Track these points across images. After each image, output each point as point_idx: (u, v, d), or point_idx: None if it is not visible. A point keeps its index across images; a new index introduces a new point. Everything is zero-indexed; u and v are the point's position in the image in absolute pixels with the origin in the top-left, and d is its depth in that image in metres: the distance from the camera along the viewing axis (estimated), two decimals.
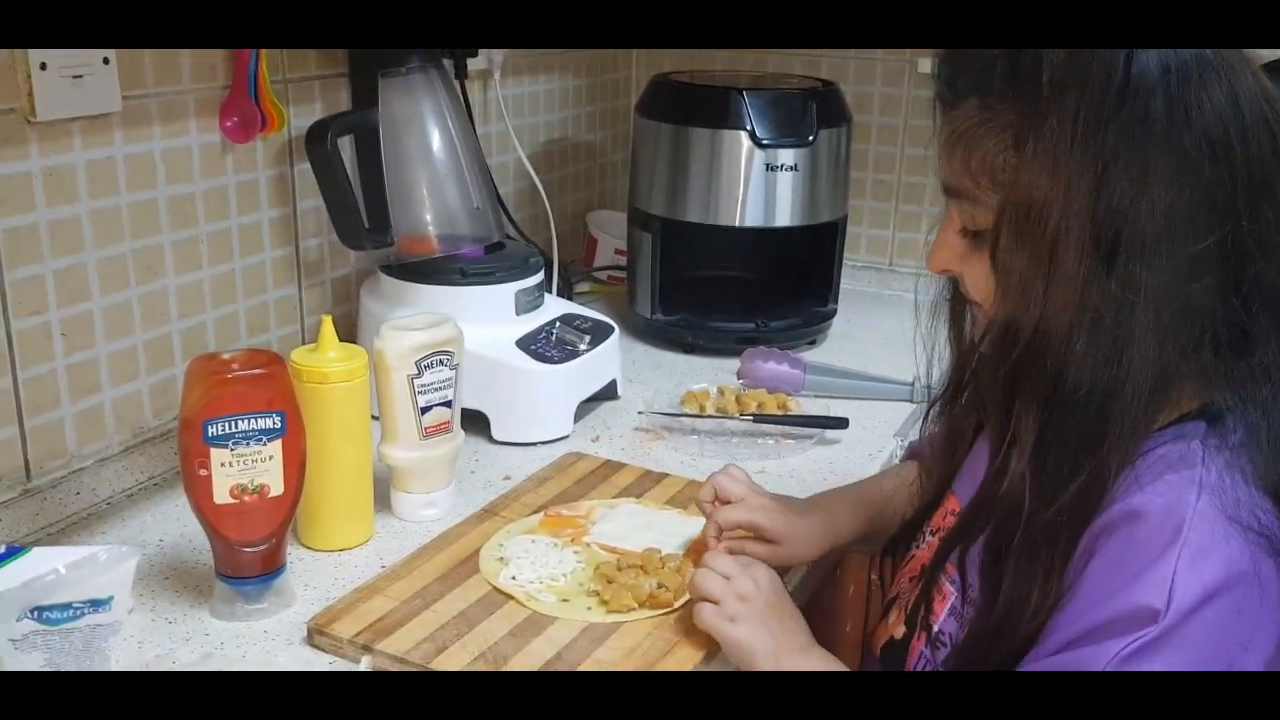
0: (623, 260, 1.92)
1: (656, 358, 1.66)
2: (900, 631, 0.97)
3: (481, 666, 0.92)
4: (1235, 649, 0.73)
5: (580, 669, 0.92)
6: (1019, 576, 0.79)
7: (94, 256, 1.15)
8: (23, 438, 1.12)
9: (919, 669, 0.92)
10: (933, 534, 0.99)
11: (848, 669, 0.92)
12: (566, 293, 1.73)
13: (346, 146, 1.35)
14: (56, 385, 1.14)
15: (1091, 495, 0.77)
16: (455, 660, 0.92)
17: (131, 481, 1.22)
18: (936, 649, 0.91)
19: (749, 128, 1.56)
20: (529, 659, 0.93)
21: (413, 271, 1.38)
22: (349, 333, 1.42)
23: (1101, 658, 0.73)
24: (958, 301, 0.95)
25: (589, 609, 1.00)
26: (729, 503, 1.07)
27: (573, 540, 1.11)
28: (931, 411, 1.04)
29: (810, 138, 1.58)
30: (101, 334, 1.18)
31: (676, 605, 1.00)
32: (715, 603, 0.94)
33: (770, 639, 0.92)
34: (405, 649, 0.94)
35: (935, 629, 0.91)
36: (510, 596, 1.01)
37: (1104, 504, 0.77)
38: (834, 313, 1.73)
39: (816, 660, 0.92)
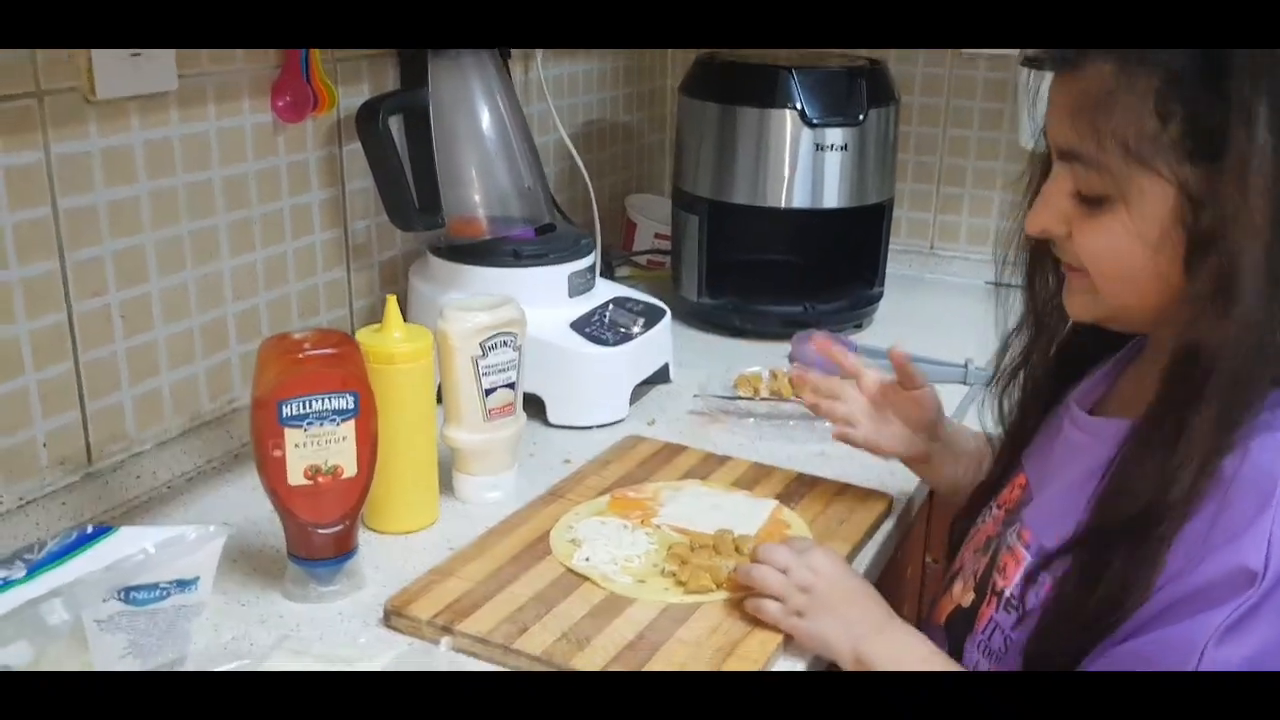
0: (662, 244, 1.91)
1: (704, 341, 1.64)
2: (968, 599, 0.95)
3: (564, 648, 0.90)
4: None
5: (663, 649, 0.91)
6: (1134, 552, 0.77)
7: (152, 238, 1.14)
8: (84, 421, 1.11)
9: (988, 635, 0.90)
10: (999, 508, 0.98)
11: (929, 641, 0.90)
12: (608, 277, 1.72)
13: (395, 127, 1.34)
14: (116, 368, 1.13)
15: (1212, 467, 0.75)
16: (537, 641, 0.91)
17: (190, 465, 1.20)
18: (1008, 612, 0.89)
19: (798, 107, 1.54)
20: (611, 639, 0.92)
21: (464, 253, 1.37)
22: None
23: (1203, 631, 0.72)
24: (1035, 268, 0.94)
25: (666, 590, 0.99)
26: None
27: (642, 522, 1.09)
28: (1004, 383, 1.03)
29: (860, 117, 1.56)
30: (159, 316, 1.16)
31: None
32: (778, 599, 0.92)
33: (842, 626, 0.90)
34: (486, 630, 0.92)
35: (1007, 593, 0.89)
36: (585, 578, 1.00)
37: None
38: (880, 296, 1.71)
39: (897, 637, 0.90)
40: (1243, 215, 0.73)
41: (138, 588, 0.81)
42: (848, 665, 0.90)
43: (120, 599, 0.81)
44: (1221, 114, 0.73)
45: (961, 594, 0.97)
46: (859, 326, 1.70)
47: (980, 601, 0.93)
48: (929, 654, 0.89)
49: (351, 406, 0.96)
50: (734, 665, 0.89)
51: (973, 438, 1.17)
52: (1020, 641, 0.87)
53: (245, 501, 1.15)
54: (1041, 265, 0.94)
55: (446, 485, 1.16)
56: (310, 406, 0.94)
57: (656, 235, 1.93)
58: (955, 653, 0.93)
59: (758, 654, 0.91)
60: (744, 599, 0.96)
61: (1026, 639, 0.85)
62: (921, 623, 1.04)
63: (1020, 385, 1.02)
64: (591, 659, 0.89)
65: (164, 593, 0.82)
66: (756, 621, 0.94)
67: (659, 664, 0.89)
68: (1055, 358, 0.98)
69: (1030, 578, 0.87)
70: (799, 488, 1.17)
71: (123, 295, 1.12)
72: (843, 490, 1.17)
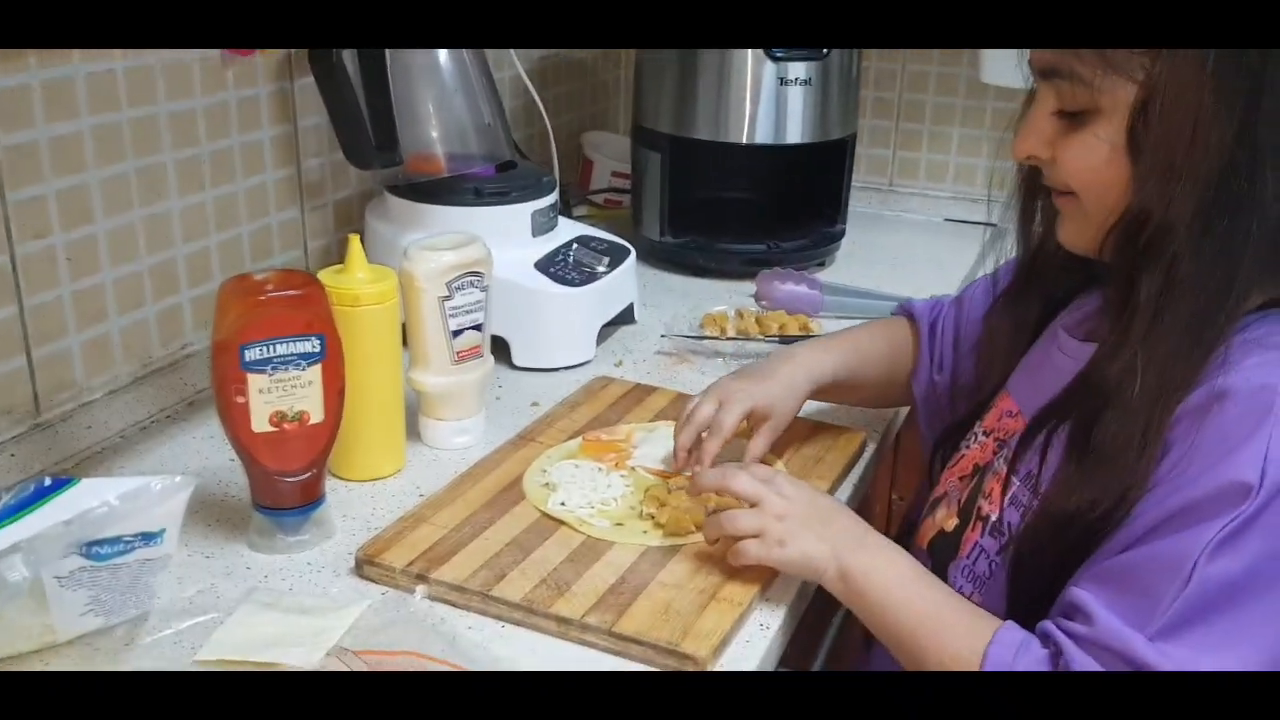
0: (620, 183, 1.87)
1: (667, 281, 1.62)
2: (952, 524, 0.95)
3: (544, 594, 0.88)
4: None
5: (645, 593, 0.89)
6: (1108, 459, 0.78)
7: (96, 176, 1.09)
8: (30, 369, 1.06)
9: (973, 560, 0.90)
10: (986, 434, 0.97)
11: (907, 554, 0.88)
12: (567, 216, 1.68)
13: (350, 61, 1.28)
14: (63, 313, 1.08)
15: (1187, 378, 0.76)
16: (516, 588, 0.89)
17: (143, 414, 1.16)
18: (994, 537, 0.89)
19: None
20: (592, 584, 0.90)
21: (423, 192, 1.32)
22: None
23: (1197, 543, 0.72)
24: (1028, 198, 0.94)
25: (645, 532, 0.97)
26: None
27: (616, 464, 1.07)
28: (997, 306, 1.04)
29: (824, 50, 1.53)
30: (106, 258, 1.11)
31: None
32: (757, 536, 0.90)
33: (824, 544, 0.88)
34: (463, 577, 0.90)
35: (993, 517, 0.89)
36: (562, 522, 0.98)
37: (1189, 388, 0.76)
38: (842, 233, 1.69)
39: (879, 550, 0.88)
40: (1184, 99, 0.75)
41: (100, 542, 0.77)
42: (831, 580, 0.87)
43: (82, 554, 0.77)
44: None
45: (946, 519, 0.96)
46: (821, 264, 1.68)
47: (965, 526, 0.93)
48: (909, 565, 0.87)
49: (318, 350, 0.92)
50: (718, 608, 0.87)
51: (878, 326, 1.18)
52: (1005, 565, 0.87)
53: (203, 450, 1.12)
54: (1032, 202, 0.94)
55: (413, 431, 1.13)
56: (274, 350, 0.90)
57: (614, 174, 1.89)
58: (939, 576, 0.91)
59: (741, 594, 0.89)
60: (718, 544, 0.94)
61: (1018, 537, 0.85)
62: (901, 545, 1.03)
63: (1006, 313, 1.02)
64: (573, 604, 0.87)
65: (128, 546, 0.79)
66: None
67: (643, 607, 0.87)
68: (1044, 287, 0.98)
69: (1017, 501, 0.87)
70: None
71: (68, 236, 1.07)
72: (816, 429, 1.16)
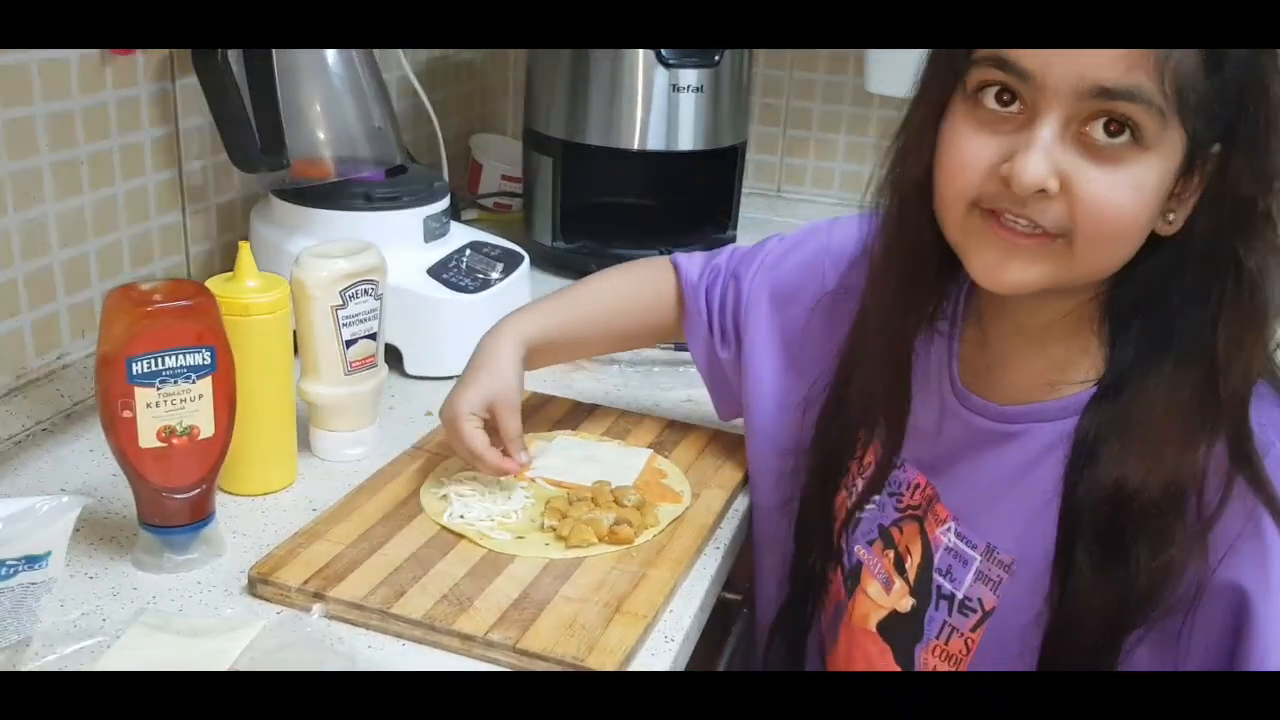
0: (510, 186, 1.86)
1: (559, 286, 1.60)
2: (908, 605, 0.91)
3: (446, 610, 0.87)
4: None
5: (550, 607, 0.88)
6: (1153, 539, 0.75)
7: None
8: None
9: (944, 638, 0.88)
10: (890, 496, 0.94)
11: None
12: (456, 220, 1.66)
13: (235, 60, 1.25)
14: None
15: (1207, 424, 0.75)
16: (417, 604, 0.87)
17: (18, 427, 1.11)
18: (965, 615, 0.86)
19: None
20: (494, 599, 0.89)
21: (311, 196, 1.29)
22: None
23: None
24: (912, 207, 0.84)
25: (547, 545, 0.96)
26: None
27: (515, 475, 1.06)
28: (862, 328, 0.94)
29: (716, 58, 1.54)
30: None
31: (638, 541, 0.97)
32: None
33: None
34: (361, 594, 0.88)
35: (959, 596, 0.87)
36: (462, 536, 0.97)
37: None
38: (734, 239, 1.71)
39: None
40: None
41: None
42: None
43: None
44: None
45: (897, 599, 0.92)
46: None
47: (925, 606, 0.89)
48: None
49: (208, 362, 0.89)
50: (623, 620, 0.87)
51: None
52: (986, 641, 0.85)
53: (82, 465, 1.07)
54: (918, 218, 0.83)
55: (304, 443, 1.10)
56: (163, 363, 0.87)
57: (504, 177, 1.87)
58: (904, 658, 0.91)
59: (645, 607, 0.89)
60: (625, 549, 0.94)
61: (1043, 638, 0.81)
62: (830, 624, 1.00)
63: (882, 338, 0.91)
64: (475, 621, 0.86)
65: (11, 570, 0.75)
66: (642, 576, 0.93)
67: (548, 622, 0.86)
68: (922, 303, 0.89)
69: (984, 577, 0.85)
70: (671, 435, 1.16)
71: None
72: (715, 436, 1.16)
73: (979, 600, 0.86)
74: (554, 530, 0.97)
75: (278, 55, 1.25)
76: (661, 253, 1.18)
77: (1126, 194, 0.73)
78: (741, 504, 1.08)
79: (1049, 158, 0.72)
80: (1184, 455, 0.74)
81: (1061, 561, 0.80)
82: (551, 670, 0.83)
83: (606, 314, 1.13)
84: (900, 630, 0.92)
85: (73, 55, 1.12)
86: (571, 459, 1.09)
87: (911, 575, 0.91)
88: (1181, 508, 0.74)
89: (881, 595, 0.94)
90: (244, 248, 1.00)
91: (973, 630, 0.86)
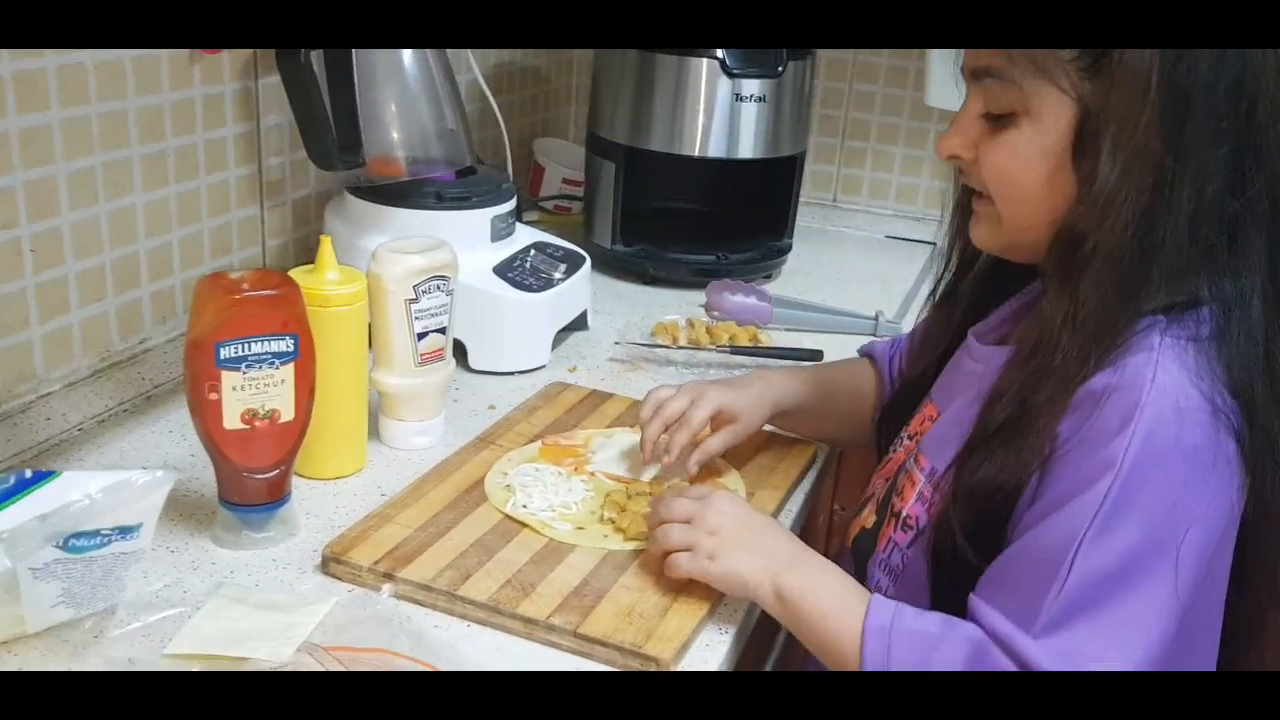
0: (570, 190, 1.89)
1: (617, 288, 1.65)
2: (871, 521, 1.00)
3: (510, 594, 0.90)
4: (1185, 511, 0.77)
5: (609, 595, 0.91)
6: (1009, 440, 0.82)
7: (64, 169, 1.09)
8: None
9: (888, 554, 0.95)
10: (910, 438, 1.02)
11: (844, 573, 0.90)
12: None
13: (316, 61, 1.29)
14: (26, 305, 1.08)
15: (1085, 369, 0.80)
16: (481, 588, 0.91)
17: (101, 407, 1.16)
18: (905, 531, 0.94)
19: (718, 56, 1.54)
20: (555, 585, 0.92)
21: (385, 194, 1.34)
22: (311, 256, 1.37)
23: (1071, 536, 0.77)
24: (964, 208, 0.97)
25: (606, 536, 0.99)
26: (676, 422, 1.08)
27: (575, 469, 1.10)
28: (924, 312, 1.09)
29: (779, 68, 1.57)
30: (71, 251, 1.11)
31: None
32: (689, 550, 0.91)
33: (758, 561, 0.90)
34: (429, 576, 0.92)
35: (904, 513, 0.94)
36: (524, 524, 1.00)
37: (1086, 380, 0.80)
38: (789, 247, 1.74)
39: (814, 569, 0.90)
40: (1128, 124, 0.78)
41: (79, 534, 0.78)
42: (767, 600, 0.89)
43: (58, 546, 0.78)
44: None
45: (867, 516, 1.01)
46: (769, 277, 1.72)
47: (881, 522, 0.97)
48: (845, 584, 0.89)
49: (291, 349, 0.94)
50: (680, 611, 0.90)
51: (844, 364, 1.23)
52: (916, 557, 0.91)
53: (160, 444, 1.12)
54: (966, 218, 0.96)
55: (373, 431, 1.14)
56: (249, 349, 0.91)
57: (564, 180, 1.91)
58: (860, 571, 0.97)
59: (701, 600, 0.92)
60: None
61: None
62: (836, 551, 1.07)
63: (931, 323, 1.07)
64: (538, 605, 0.89)
65: (105, 540, 0.80)
66: None
67: (607, 609, 0.89)
68: (965, 297, 1.03)
69: (922, 497, 0.92)
70: None
71: (34, 228, 1.07)
72: (769, 439, 1.19)
73: (915, 518, 0.92)
74: (613, 522, 1.01)
75: (357, 56, 1.30)
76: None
77: (1016, 154, 0.84)
78: (796, 503, 1.11)
79: (961, 130, 0.87)
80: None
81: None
82: (610, 654, 0.86)
83: (839, 399, 1.18)
84: (863, 545, 0.99)
85: (163, 53, 1.17)
86: (631, 455, 1.12)
87: (880, 496, 0.99)
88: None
89: (866, 514, 1.01)
90: (325, 241, 1.04)
91: (908, 547, 0.92)
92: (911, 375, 1.09)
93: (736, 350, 1.39)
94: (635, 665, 0.86)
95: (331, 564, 0.94)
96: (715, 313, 1.52)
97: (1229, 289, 0.81)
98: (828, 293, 1.65)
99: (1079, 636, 0.76)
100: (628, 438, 1.17)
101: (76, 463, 1.08)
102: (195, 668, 0.81)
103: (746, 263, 1.68)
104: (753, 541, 0.91)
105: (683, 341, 1.42)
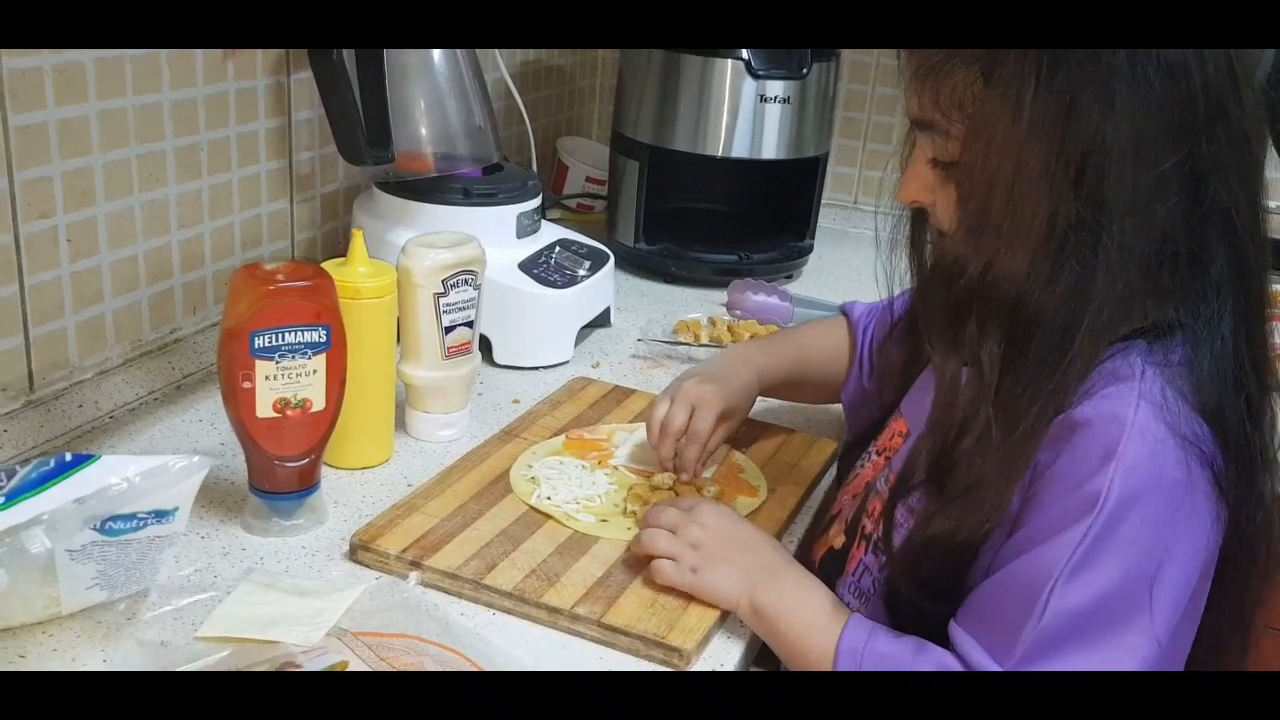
0: (594, 188, 1.91)
1: (640, 286, 1.66)
2: (840, 542, 0.99)
3: (535, 584, 0.92)
4: (1163, 546, 0.76)
5: (632, 587, 0.93)
6: (966, 492, 0.81)
7: (100, 160, 1.11)
8: (27, 347, 1.08)
9: (858, 576, 0.95)
10: (878, 454, 1.01)
11: (829, 591, 0.91)
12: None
13: (348, 58, 1.31)
14: (61, 293, 1.10)
15: (1046, 413, 0.79)
16: (507, 577, 0.92)
17: (132, 395, 1.18)
18: (876, 554, 0.93)
19: (743, 57, 1.56)
20: (580, 576, 0.93)
21: (412, 190, 1.35)
22: (340, 250, 1.39)
23: (1049, 571, 0.76)
24: (917, 231, 0.96)
25: (629, 529, 1.00)
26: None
27: (599, 463, 1.11)
28: (893, 334, 1.08)
29: (804, 70, 1.58)
30: (105, 241, 1.13)
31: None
32: (672, 559, 0.92)
33: (737, 575, 0.90)
34: (455, 565, 0.93)
35: (874, 537, 0.93)
36: (549, 516, 1.01)
37: (1047, 422, 0.79)
38: (811, 248, 1.75)
39: (794, 585, 0.90)
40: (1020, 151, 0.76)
41: (116, 518, 0.79)
42: (745, 613, 0.89)
43: (95, 528, 0.79)
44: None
45: (835, 536, 1.00)
46: (790, 277, 1.73)
47: (851, 544, 0.97)
48: (823, 602, 0.88)
49: (324, 340, 0.95)
50: (701, 604, 0.91)
51: (820, 325, 1.23)
52: (884, 580, 0.90)
53: (192, 433, 1.14)
54: (921, 231, 0.95)
55: (400, 422, 1.16)
56: (283, 339, 0.93)
57: (588, 179, 1.93)
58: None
59: None
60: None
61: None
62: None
63: (903, 339, 1.06)
64: (562, 595, 0.91)
65: (141, 523, 0.81)
66: None
67: (630, 600, 0.91)
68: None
69: (889, 518, 0.90)
70: (748, 432, 1.20)
71: (70, 218, 1.09)
72: (791, 435, 1.20)
73: (886, 542, 0.90)
74: (635, 515, 1.02)
75: (388, 54, 1.32)
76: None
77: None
78: (816, 500, 1.12)
79: (916, 177, 0.85)
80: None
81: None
82: (633, 644, 0.87)
83: (818, 361, 1.19)
84: (831, 565, 0.98)
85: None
86: (653, 450, 1.13)
87: (849, 515, 0.98)
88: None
89: (833, 533, 1.01)
90: (357, 235, 1.06)
91: (880, 571, 0.92)
92: (879, 395, 1.09)
93: None
94: (658, 655, 0.87)
95: (359, 551, 0.96)
96: (737, 312, 1.53)
97: (1197, 310, 0.80)
98: (848, 293, 1.65)
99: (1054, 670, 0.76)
100: None
101: (108, 449, 1.10)
102: (226, 650, 0.82)
103: (768, 263, 1.69)
104: (733, 556, 0.92)
105: (704, 339, 1.44)
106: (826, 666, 0.84)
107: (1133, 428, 0.75)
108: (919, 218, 0.94)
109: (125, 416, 1.16)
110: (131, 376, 1.19)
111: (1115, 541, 0.75)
